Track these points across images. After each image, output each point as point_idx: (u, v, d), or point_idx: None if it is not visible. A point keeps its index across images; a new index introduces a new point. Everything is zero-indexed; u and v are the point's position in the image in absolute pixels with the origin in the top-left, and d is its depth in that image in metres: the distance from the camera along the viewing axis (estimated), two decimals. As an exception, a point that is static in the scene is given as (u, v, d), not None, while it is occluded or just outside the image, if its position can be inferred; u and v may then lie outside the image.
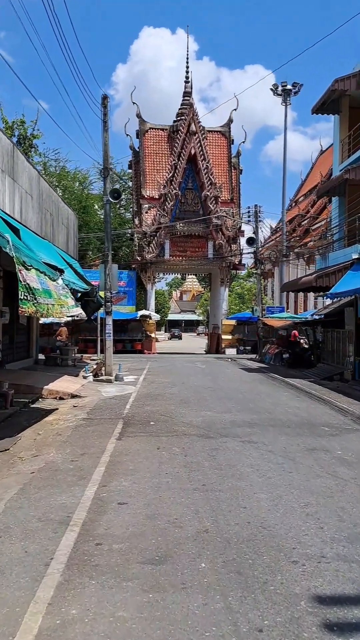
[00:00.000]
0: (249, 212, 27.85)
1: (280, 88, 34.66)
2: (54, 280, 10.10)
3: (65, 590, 3.59)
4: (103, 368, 16.61)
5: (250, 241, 27.15)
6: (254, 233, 27.67)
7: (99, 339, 24.01)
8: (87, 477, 6.11)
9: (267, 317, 27.51)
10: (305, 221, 44.32)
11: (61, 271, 11.30)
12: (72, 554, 4.15)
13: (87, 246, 35.19)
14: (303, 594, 3.48)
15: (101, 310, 18.59)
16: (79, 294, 17.99)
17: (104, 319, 17.65)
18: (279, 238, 35.92)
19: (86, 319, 24.78)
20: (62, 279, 12.20)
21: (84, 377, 15.91)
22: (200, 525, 4.66)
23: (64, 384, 14.31)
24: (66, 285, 13.04)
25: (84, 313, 26.10)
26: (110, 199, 15.73)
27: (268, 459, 6.89)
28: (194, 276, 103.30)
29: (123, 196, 40.56)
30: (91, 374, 16.18)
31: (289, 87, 34.80)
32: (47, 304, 8.26)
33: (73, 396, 12.90)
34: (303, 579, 3.68)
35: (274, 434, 8.53)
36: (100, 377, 16.11)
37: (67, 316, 32.57)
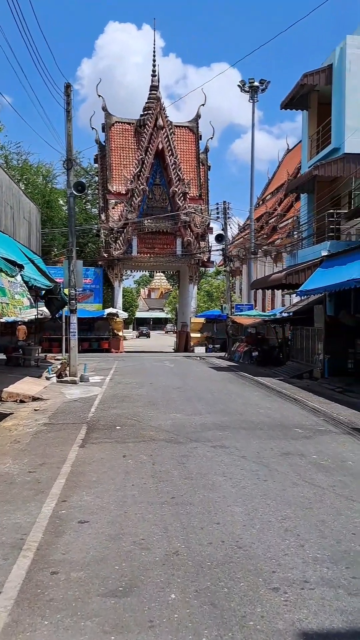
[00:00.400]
0: (217, 208, 27.55)
1: (247, 85, 34.47)
2: (13, 276, 9.45)
3: (12, 634, 3.07)
4: (67, 368, 15.96)
5: (219, 238, 26.85)
6: (222, 230, 27.40)
7: (63, 337, 23.30)
8: (46, 490, 5.56)
9: (236, 315, 27.31)
10: (273, 219, 44.58)
11: (21, 267, 10.61)
12: (24, 586, 3.63)
13: (51, 242, 34.21)
14: (287, 630, 3.06)
15: (66, 309, 17.88)
16: (42, 292, 17.31)
17: (68, 317, 16.97)
18: (247, 236, 35.89)
19: (50, 317, 24.08)
20: (21, 275, 11.52)
21: (47, 379, 15.23)
22: (170, 547, 4.20)
23: (25, 385, 13.61)
24: (26, 282, 12.39)
25: (47, 311, 25.43)
26: (74, 191, 15.08)
27: (241, 466, 6.49)
28: (162, 274, 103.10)
29: (89, 191, 39.78)
30: (55, 374, 15.51)
31: (256, 84, 34.65)
32: (0, 303, 7.63)
33: (34, 399, 12.24)
34: (286, 611, 3.26)
35: (246, 437, 8.15)
36: (65, 378, 15.46)
37: (21, 317, 31.59)
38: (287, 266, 20.58)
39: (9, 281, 8.88)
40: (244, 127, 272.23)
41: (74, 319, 15.61)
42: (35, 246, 19.49)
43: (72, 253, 15.43)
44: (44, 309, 26.53)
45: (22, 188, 23.17)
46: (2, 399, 11.84)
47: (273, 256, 45.13)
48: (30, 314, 16.90)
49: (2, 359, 20.72)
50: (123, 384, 15.03)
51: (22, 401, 12.10)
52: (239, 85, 35.14)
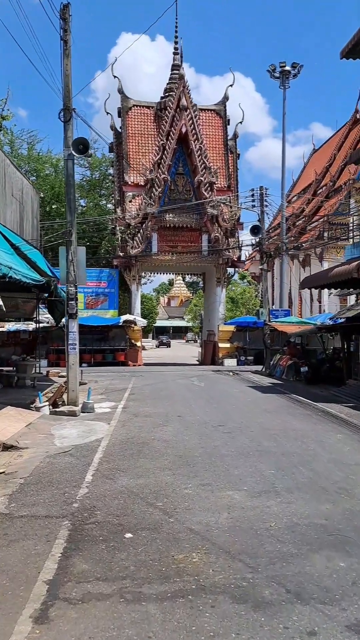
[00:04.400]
0: (253, 195, 23.20)
1: (278, 70, 30.24)
2: None
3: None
4: (65, 393, 11.74)
5: (255, 230, 22.48)
6: (258, 221, 23.03)
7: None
8: None
9: (276, 322, 22.84)
10: (300, 220, 40.21)
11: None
12: None
13: (62, 238, 30.27)
14: None
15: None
16: (48, 294, 13.30)
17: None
18: (276, 237, 31.46)
19: (56, 325, 20.04)
20: (2, 267, 7.51)
21: (37, 409, 11.02)
22: None
23: (1, 422, 9.42)
24: (5, 275, 8.30)
25: (52, 318, 21.33)
26: (74, 152, 10.94)
27: None
28: (182, 281, 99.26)
29: (105, 183, 35.86)
30: (47, 403, 11.29)
31: (287, 68, 30.42)
32: None
33: (5, 447, 8.02)
34: None
35: None
36: (61, 408, 11.24)
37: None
38: (349, 259, 16.13)
39: None
40: (258, 136, 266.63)
41: (73, 327, 11.41)
42: (31, 235, 15.43)
43: (70, 236, 11.25)
44: (48, 315, 22.66)
45: (33, 180, 19.08)
46: None
47: (301, 260, 40.81)
48: None
49: (-9, 376, 16.63)
50: (140, 417, 10.73)
51: (-14, 451, 7.91)
52: (268, 71, 30.85)
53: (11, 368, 17.76)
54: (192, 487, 5.92)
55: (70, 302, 11.36)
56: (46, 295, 15.81)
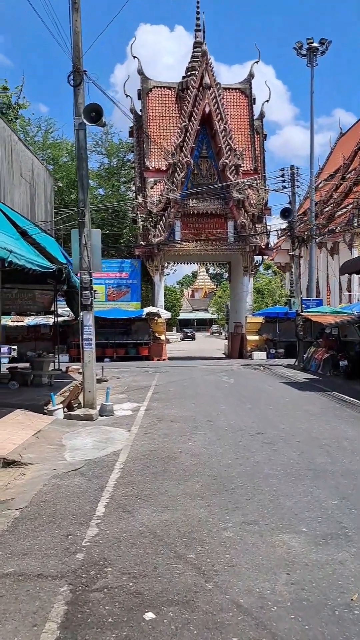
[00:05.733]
0: (283, 175, 21.48)
1: (305, 47, 28.26)
2: None
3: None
4: (81, 394, 10.48)
5: (286, 213, 20.82)
6: (289, 203, 21.35)
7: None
8: None
9: (310, 312, 21.19)
10: (329, 207, 38.14)
11: None
12: None
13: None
14: None
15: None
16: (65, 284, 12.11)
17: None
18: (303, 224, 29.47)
19: (75, 318, 18.88)
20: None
21: (49, 412, 9.79)
22: None
23: (3, 430, 8.20)
24: (3, 259, 7.04)
25: (71, 311, 20.14)
26: (85, 120, 9.58)
27: None
28: (205, 273, 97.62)
29: (123, 170, 34.50)
30: (61, 405, 10.04)
31: (315, 44, 28.41)
32: None
33: (7, 463, 6.78)
34: None
35: None
36: (76, 411, 9.98)
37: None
38: None
39: None
40: (279, 124, 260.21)
41: (88, 320, 10.11)
42: (43, 219, 14.16)
43: (83, 217, 9.92)
44: (67, 308, 21.48)
45: (45, 165, 17.71)
46: None
47: (329, 248, 38.77)
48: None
49: (5, 373, 15.54)
50: (165, 421, 9.38)
51: (-16, 467, 6.68)
52: (295, 48, 28.89)
53: (27, 365, 16.65)
54: (234, 526, 4.53)
55: (84, 292, 10.05)
56: (64, 287, 14.62)
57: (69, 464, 6.74)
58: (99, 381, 16.86)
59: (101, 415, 10.03)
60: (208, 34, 28.07)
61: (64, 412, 10.03)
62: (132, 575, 3.68)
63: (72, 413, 9.86)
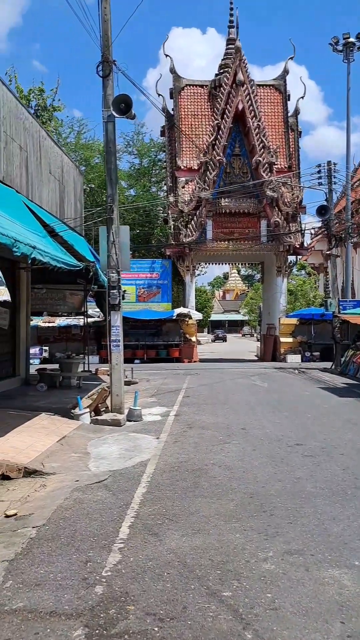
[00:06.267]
0: (319, 171, 20.68)
1: (341, 42, 27.25)
2: None
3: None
4: (108, 398, 10.06)
5: (323, 210, 19.99)
6: (325, 200, 20.51)
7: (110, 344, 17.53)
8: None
9: (349, 314, 20.27)
10: None
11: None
12: None
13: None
14: None
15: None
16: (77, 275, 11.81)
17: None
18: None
19: (105, 319, 18.61)
20: (21, 245, 5.91)
21: (75, 417, 9.41)
22: None
23: (28, 436, 7.83)
24: (26, 255, 6.68)
25: (101, 312, 19.84)
26: (114, 112, 9.16)
27: None
28: (237, 274, 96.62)
29: (154, 171, 34.16)
30: (88, 410, 9.64)
31: (352, 39, 27.37)
32: None
33: (28, 472, 6.39)
34: None
35: None
36: (103, 416, 9.56)
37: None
38: None
39: None
40: (312, 124, 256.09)
41: (116, 320, 9.68)
42: (73, 219, 13.86)
43: (112, 213, 9.50)
44: (97, 309, 21.22)
45: (75, 163, 17.48)
46: None
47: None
48: None
49: (34, 375, 15.35)
50: (196, 428, 8.85)
51: (4, 476, 6.30)
52: (330, 44, 27.92)
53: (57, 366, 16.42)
54: (275, 556, 3.96)
55: (112, 291, 9.63)
56: (95, 287, 14.30)
57: (93, 474, 6.29)
58: (128, 383, 16.51)
59: (129, 420, 9.58)
60: (240, 37, 27.22)
61: (90, 416, 9.63)
62: (158, 617, 3.16)
63: (99, 418, 9.44)
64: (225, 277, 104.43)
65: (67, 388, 14.30)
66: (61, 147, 13.13)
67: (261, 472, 6.18)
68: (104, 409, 10.02)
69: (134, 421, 9.59)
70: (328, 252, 22.54)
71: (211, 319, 76.20)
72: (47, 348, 24.72)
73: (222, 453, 7.13)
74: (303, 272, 56.32)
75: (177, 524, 4.64)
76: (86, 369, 17.89)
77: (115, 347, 9.73)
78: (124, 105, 9.31)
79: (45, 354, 24.35)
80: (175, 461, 6.75)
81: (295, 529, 4.48)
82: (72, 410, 9.79)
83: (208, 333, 72.09)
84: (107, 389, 10.31)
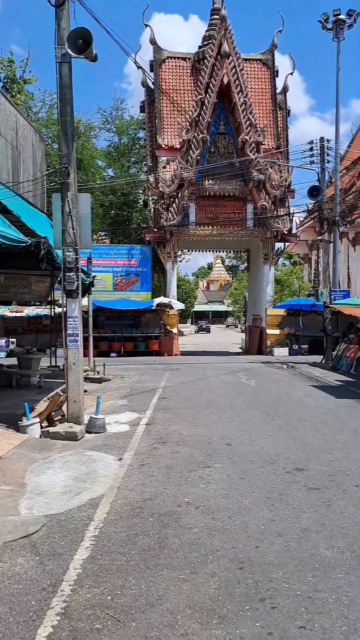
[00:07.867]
0: (311, 148, 18.96)
1: (331, 19, 25.39)
2: None
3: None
4: (64, 404, 8.26)
5: (315, 192, 18.31)
6: (317, 181, 18.83)
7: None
8: None
9: (341, 304, 18.72)
10: (351, 196, 35.39)
11: None
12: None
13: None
14: None
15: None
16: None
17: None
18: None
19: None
20: None
21: (21, 429, 7.60)
22: None
23: None
24: None
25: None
26: (69, 50, 7.29)
27: None
28: (221, 264, 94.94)
29: (135, 149, 32.09)
30: (38, 420, 7.83)
31: (342, 16, 25.53)
32: None
33: None
34: None
35: None
36: (56, 428, 7.77)
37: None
38: None
39: None
40: (294, 115, 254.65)
41: (73, 310, 7.87)
42: (29, 187, 11.90)
43: (68, 177, 7.65)
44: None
45: (34, 127, 15.49)
46: None
47: (351, 239, 35.95)
48: None
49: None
50: (170, 444, 7.13)
51: None
52: (320, 21, 26.05)
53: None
54: None
55: (68, 273, 7.80)
56: (49, 267, 12.40)
57: (21, 523, 4.52)
58: (99, 381, 14.71)
59: (89, 432, 7.82)
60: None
61: (41, 427, 7.85)
62: None
63: (50, 430, 7.65)
64: (210, 267, 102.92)
65: (25, 387, 12.49)
66: (14, 105, 11.14)
67: (253, 519, 4.48)
68: (59, 417, 8.24)
69: (95, 433, 7.84)
70: (320, 238, 20.88)
71: (195, 309, 74.57)
72: (14, 340, 22.74)
73: (201, 484, 5.42)
74: (288, 262, 54.84)
75: (126, 630, 2.91)
76: (54, 364, 16.11)
77: (72, 342, 7.91)
78: (82, 42, 7.43)
79: (13, 347, 22.39)
80: (138, 498, 5.01)
81: (315, 634, 2.79)
82: (24, 419, 7.99)
83: (192, 324, 70.49)
84: (61, 393, 8.52)
